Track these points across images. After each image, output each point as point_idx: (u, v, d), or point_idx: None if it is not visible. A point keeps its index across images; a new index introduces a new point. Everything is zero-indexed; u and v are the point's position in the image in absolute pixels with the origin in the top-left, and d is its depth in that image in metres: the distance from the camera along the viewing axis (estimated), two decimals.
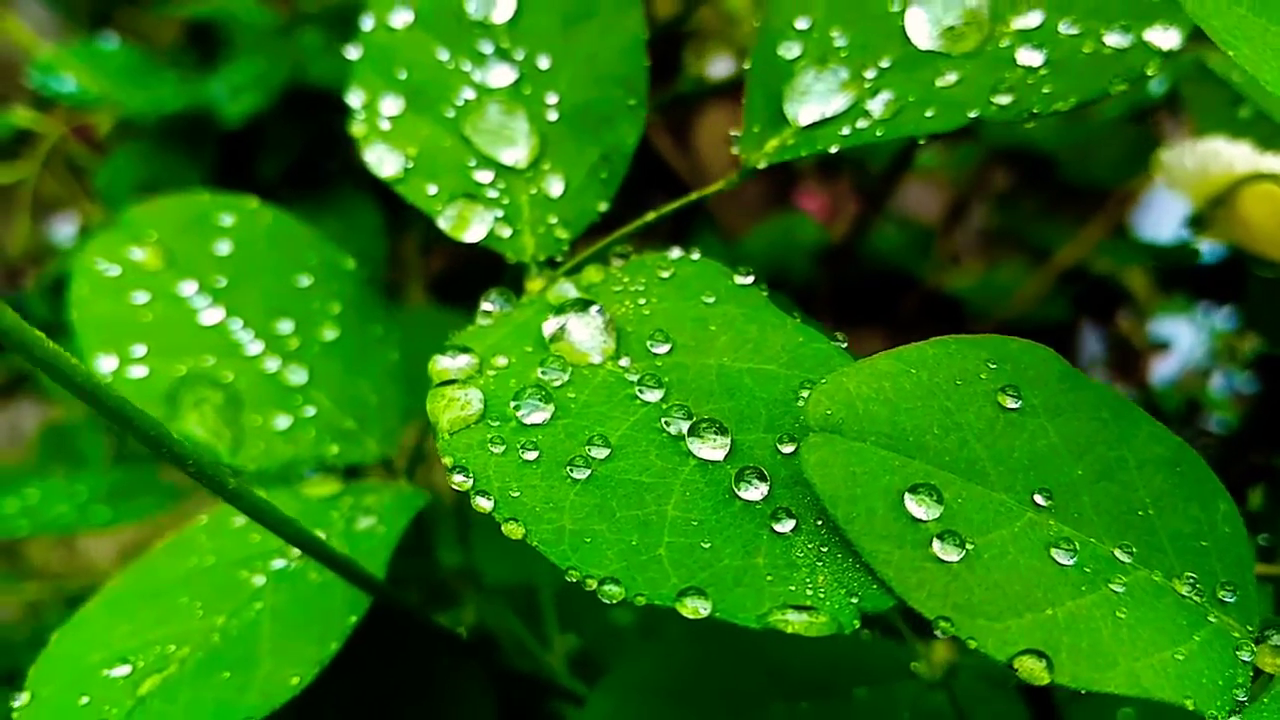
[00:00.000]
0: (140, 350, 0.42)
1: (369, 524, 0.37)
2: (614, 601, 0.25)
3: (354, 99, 0.40)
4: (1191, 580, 0.28)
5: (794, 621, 0.24)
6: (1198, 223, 0.45)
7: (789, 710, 0.36)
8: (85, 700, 0.32)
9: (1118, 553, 0.27)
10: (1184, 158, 0.45)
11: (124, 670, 0.33)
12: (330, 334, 0.43)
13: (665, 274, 0.34)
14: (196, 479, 0.27)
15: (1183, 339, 0.91)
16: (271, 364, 0.42)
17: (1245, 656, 0.28)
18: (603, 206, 0.38)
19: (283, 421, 0.41)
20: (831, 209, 1.01)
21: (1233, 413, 0.79)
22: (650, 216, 0.37)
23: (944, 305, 0.93)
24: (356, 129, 0.40)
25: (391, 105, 0.40)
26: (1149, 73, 0.33)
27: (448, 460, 0.28)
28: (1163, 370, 0.93)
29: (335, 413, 0.42)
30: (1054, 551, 0.26)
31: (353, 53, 0.41)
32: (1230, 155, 0.44)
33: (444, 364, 0.31)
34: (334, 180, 0.90)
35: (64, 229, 1.12)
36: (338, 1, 0.87)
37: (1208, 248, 0.60)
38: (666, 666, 0.37)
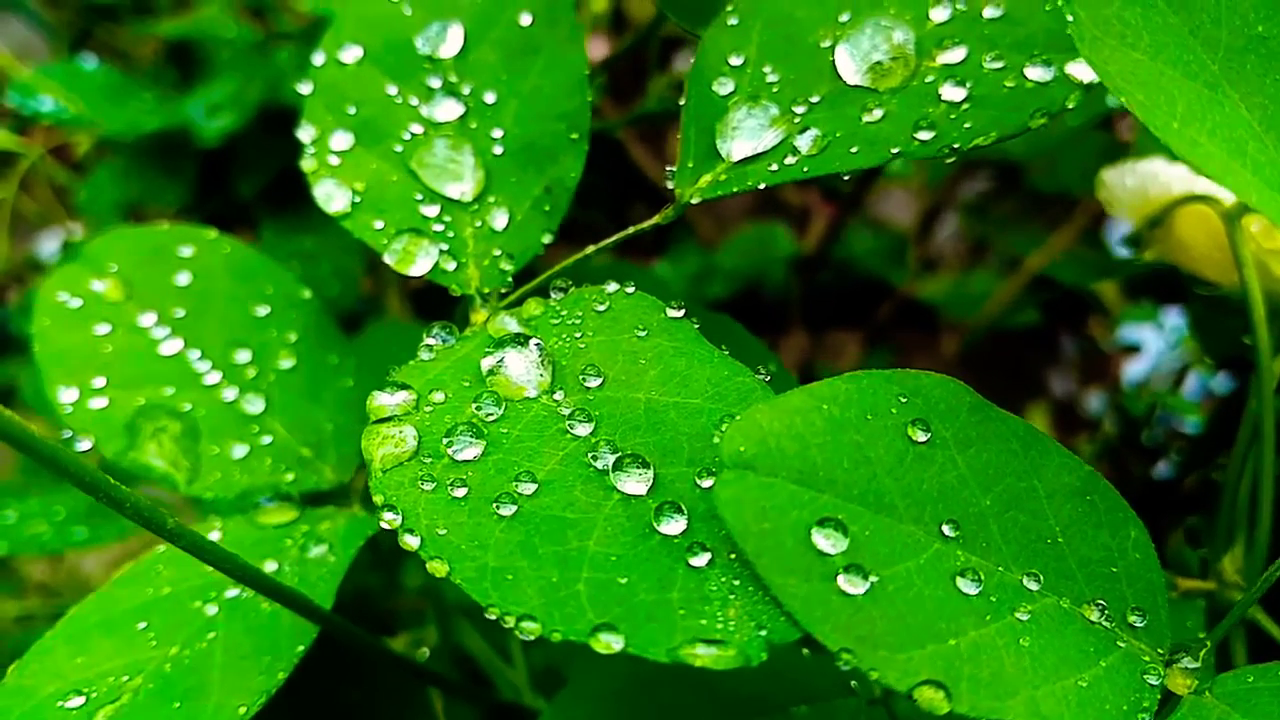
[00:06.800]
0: (100, 382, 0.43)
1: (320, 552, 0.38)
2: (532, 638, 0.25)
3: (305, 134, 0.41)
4: (1101, 606, 0.29)
5: (703, 655, 0.25)
6: (1135, 243, 0.45)
7: None
8: None
9: (1026, 580, 0.28)
10: (1124, 178, 0.46)
11: (78, 701, 0.34)
12: (287, 363, 0.44)
13: (600, 307, 0.35)
14: (135, 520, 0.28)
15: (1152, 342, 0.92)
16: (229, 393, 0.43)
17: (1153, 680, 0.29)
18: (547, 239, 0.39)
19: (239, 450, 0.42)
20: (809, 217, 1.02)
21: (1201, 416, 0.80)
22: (590, 250, 0.37)
23: (918, 311, 0.94)
24: (307, 164, 0.41)
25: (341, 140, 0.41)
26: (1069, 105, 0.34)
27: (378, 499, 0.29)
28: (1133, 373, 0.94)
29: (291, 440, 0.43)
30: (959, 581, 0.27)
31: (304, 88, 0.42)
32: (1169, 176, 0.44)
33: (381, 400, 0.32)
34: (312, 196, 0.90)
35: (49, 245, 1.15)
36: (313, 19, 0.88)
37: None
38: (611, 685, 0.38)
